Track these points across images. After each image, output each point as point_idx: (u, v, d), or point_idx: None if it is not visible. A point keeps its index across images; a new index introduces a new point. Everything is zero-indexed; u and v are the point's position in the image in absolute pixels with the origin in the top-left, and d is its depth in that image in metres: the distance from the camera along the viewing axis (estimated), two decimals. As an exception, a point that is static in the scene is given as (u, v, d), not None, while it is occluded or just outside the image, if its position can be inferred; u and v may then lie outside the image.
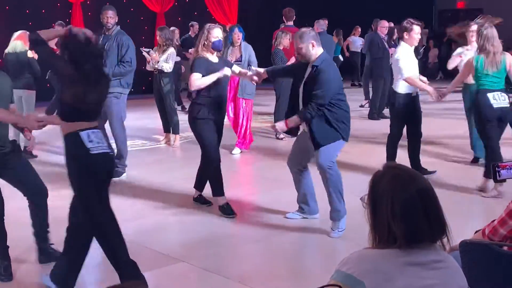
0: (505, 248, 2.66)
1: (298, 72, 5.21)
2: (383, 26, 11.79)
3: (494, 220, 2.80)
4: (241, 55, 8.19)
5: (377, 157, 6.97)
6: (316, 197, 5.46)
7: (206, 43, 5.58)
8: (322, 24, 10.78)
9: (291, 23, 10.47)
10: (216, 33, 5.59)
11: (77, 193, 3.82)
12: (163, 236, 5.33)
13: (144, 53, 8.84)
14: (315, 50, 4.99)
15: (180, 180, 7.08)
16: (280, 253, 4.82)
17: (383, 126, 8.68)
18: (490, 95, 6.03)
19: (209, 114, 5.56)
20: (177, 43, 12.86)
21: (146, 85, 15.01)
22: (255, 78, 5.71)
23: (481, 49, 6.10)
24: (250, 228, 5.36)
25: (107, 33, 6.93)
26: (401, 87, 6.58)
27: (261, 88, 15.62)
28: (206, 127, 5.57)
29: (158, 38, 9.03)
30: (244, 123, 8.45)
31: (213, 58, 5.64)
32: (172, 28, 13.58)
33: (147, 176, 7.30)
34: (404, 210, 1.93)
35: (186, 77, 13.37)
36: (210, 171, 5.74)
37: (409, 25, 6.50)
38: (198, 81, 5.48)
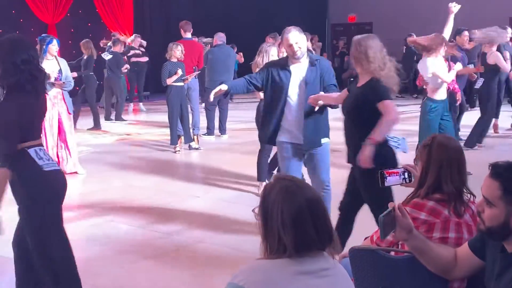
0: (392, 253, 2.76)
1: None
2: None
3: (381, 227, 2.90)
4: (60, 69, 7.53)
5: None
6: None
7: None
8: (221, 37, 10.86)
9: (188, 35, 10.49)
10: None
11: (30, 221, 3.47)
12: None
13: None
14: None
15: (69, 197, 6.86)
16: (177, 268, 4.76)
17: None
18: None
19: None
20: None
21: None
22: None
23: None
24: (145, 243, 5.26)
25: None
26: None
27: (156, 103, 15.54)
28: None
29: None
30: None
31: None
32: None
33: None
34: (293, 219, 1.97)
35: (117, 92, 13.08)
36: None
37: None
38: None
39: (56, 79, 7.49)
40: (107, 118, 13.11)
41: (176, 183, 7.49)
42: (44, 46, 7.50)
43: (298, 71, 4.81)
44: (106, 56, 12.83)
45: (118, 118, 13.02)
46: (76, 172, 7.89)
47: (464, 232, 2.73)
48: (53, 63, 7.55)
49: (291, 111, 4.84)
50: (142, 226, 5.73)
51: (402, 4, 19.99)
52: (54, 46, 7.54)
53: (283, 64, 4.87)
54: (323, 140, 4.92)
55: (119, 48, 13.18)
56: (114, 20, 17.40)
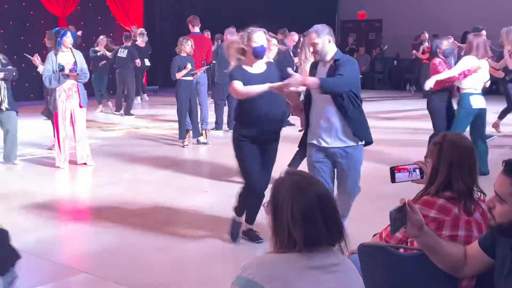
0: (401, 250, 2.76)
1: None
2: (293, 37, 11.99)
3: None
4: (75, 61, 7.67)
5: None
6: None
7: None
8: (232, 31, 10.84)
9: (197, 29, 10.50)
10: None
11: None
12: (63, 247, 5.16)
13: (33, 59, 8.55)
14: (331, 46, 4.68)
15: (79, 190, 6.89)
16: (185, 262, 4.78)
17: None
18: None
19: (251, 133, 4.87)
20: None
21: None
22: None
23: None
24: (153, 237, 5.27)
25: None
26: None
27: (164, 96, 15.55)
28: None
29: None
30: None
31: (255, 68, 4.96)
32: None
33: (44, 186, 7.05)
34: (303, 214, 1.97)
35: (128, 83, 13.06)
36: (252, 200, 5.04)
37: None
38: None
39: (70, 70, 7.58)
40: (118, 110, 13.22)
41: (184, 177, 7.50)
42: (58, 39, 7.62)
43: (321, 71, 4.71)
44: (122, 53, 12.91)
45: (127, 113, 13.06)
46: (85, 164, 7.96)
47: (474, 231, 2.72)
48: (68, 55, 7.69)
49: (315, 112, 4.73)
50: (149, 219, 5.75)
51: (411, 1, 19.93)
52: (68, 39, 7.65)
53: (313, 65, 4.88)
54: (347, 143, 4.68)
55: (130, 43, 13.30)
56: (124, 14, 17.44)
